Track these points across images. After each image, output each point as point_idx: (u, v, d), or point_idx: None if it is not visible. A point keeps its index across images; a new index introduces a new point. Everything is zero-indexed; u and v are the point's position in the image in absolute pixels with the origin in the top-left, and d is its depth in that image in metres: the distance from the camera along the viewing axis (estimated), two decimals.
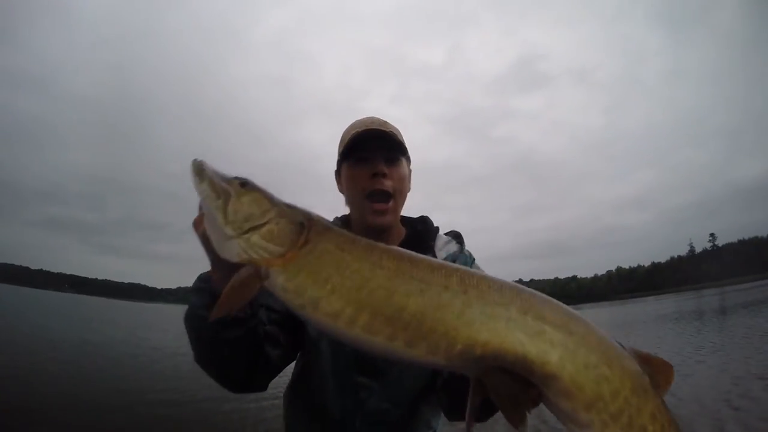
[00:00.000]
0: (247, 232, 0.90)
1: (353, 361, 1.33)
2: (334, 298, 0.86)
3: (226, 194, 0.92)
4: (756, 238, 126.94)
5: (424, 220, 1.60)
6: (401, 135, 1.46)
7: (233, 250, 0.89)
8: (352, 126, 1.47)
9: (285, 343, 1.29)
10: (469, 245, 1.55)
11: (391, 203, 1.39)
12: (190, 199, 0.98)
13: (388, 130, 1.40)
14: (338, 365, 1.34)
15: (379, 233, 1.39)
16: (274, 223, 0.91)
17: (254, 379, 1.24)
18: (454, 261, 1.42)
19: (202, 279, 1.10)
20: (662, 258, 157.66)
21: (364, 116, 1.49)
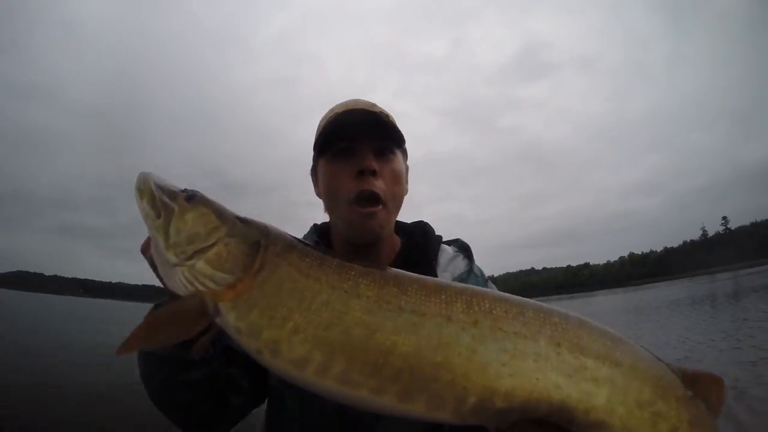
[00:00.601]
0: (191, 257, 0.72)
1: (332, 416, 1.00)
2: (297, 340, 0.67)
3: (168, 211, 0.75)
4: None
5: (423, 228, 1.24)
6: (394, 119, 1.10)
7: (176, 281, 0.72)
8: (330, 110, 1.11)
9: (249, 389, 1.05)
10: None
11: (380, 208, 1.02)
12: None
13: (377, 111, 1.06)
14: (308, 423, 1.03)
15: (368, 246, 1.06)
16: (223, 244, 0.73)
17: (213, 426, 1.04)
18: None
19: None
20: (675, 242, 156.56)
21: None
